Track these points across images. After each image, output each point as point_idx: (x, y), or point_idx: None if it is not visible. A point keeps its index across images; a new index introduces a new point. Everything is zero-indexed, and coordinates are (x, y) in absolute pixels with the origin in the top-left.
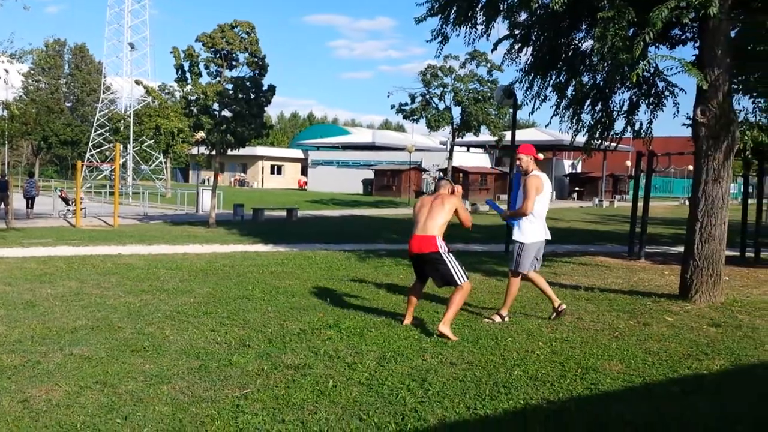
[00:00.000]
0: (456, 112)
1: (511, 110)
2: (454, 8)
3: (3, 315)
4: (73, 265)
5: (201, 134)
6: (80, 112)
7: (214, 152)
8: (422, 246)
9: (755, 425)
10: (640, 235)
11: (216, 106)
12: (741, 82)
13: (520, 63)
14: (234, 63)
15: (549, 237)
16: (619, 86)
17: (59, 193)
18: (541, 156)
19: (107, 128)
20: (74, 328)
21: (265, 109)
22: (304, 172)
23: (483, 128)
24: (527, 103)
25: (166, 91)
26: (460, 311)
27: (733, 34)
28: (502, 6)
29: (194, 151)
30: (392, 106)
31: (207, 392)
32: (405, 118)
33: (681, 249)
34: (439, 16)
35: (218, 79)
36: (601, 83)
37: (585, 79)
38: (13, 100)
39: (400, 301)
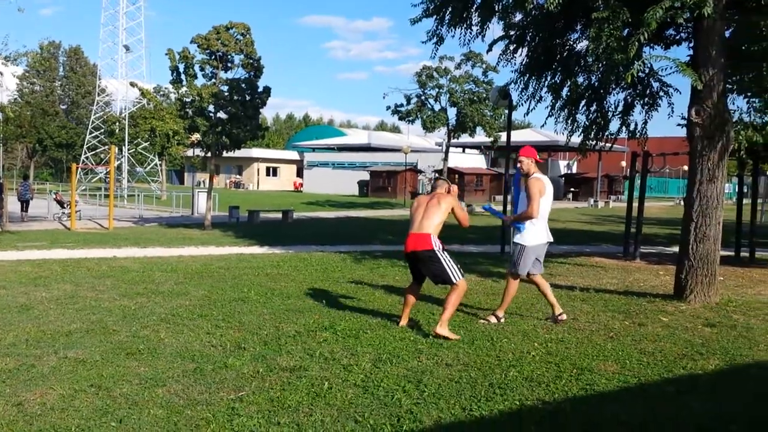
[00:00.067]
0: (451, 113)
1: (506, 111)
2: (449, 9)
3: None
4: (67, 268)
5: (196, 136)
6: (75, 114)
7: (209, 154)
8: (417, 244)
9: (750, 425)
10: (635, 236)
11: (211, 107)
12: (735, 82)
13: (515, 64)
14: (229, 65)
15: (551, 239)
16: (614, 87)
17: (54, 196)
18: (540, 159)
19: (102, 131)
20: (69, 331)
21: (261, 110)
22: (299, 174)
23: (478, 129)
24: (522, 104)
25: (161, 93)
26: (455, 311)
27: (727, 34)
28: (497, 7)
29: (189, 153)
30: (388, 107)
31: (202, 395)
32: (401, 119)
33: (676, 249)
34: (435, 17)
35: (213, 80)
36: (596, 84)
37: (580, 79)
38: (8, 103)
39: (395, 302)
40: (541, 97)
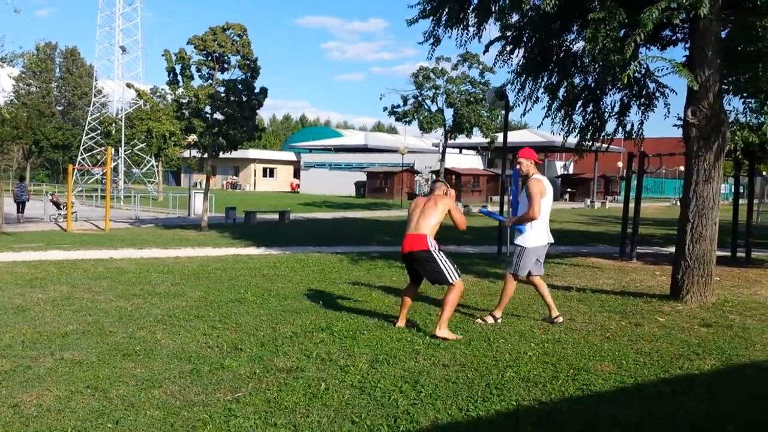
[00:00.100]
0: (448, 113)
1: (503, 112)
2: (446, 10)
3: None
4: (64, 269)
5: (193, 137)
6: (71, 115)
7: (206, 155)
8: (413, 244)
9: (746, 425)
10: (632, 236)
11: (208, 108)
12: (731, 82)
13: (511, 65)
14: (226, 66)
15: (551, 240)
16: (610, 87)
17: (50, 198)
18: (539, 161)
19: (99, 132)
20: (65, 332)
21: (257, 111)
22: (296, 175)
23: (475, 130)
24: (519, 105)
25: (158, 94)
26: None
27: (723, 35)
28: (493, 8)
29: (186, 154)
30: (385, 108)
31: (199, 396)
32: (397, 120)
33: (672, 249)
34: (431, 18)
35: (210, 81)
36: (593, 84)
37: (576, 80)
38: (4, 104)
39: (392, 303)
40: (537, 98)
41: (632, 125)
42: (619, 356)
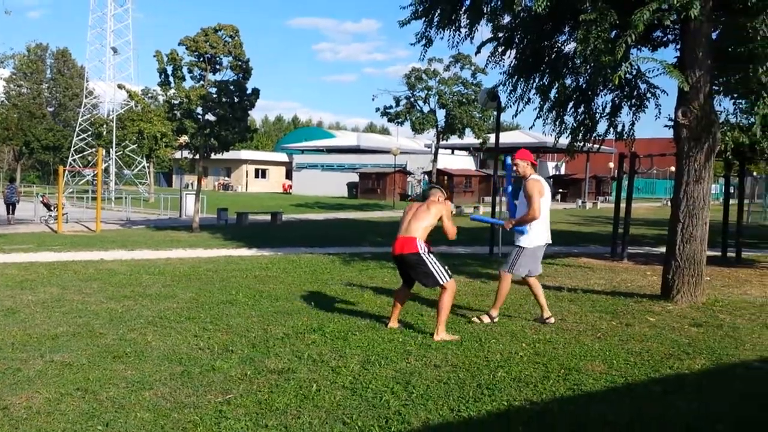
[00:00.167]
0: (440, 114)
1: (495, 113)
2: (438, 11)
3: None
4: (54, 271)
5: (184, 138)
6: (62, 116)
7: (197, 156)
8: (404, 247)
9: (736, 424)
10: (623, 236)
11: (199, 109)
12: (722, 83)
13: (503, 66)
14: (218, 66)
15: (550, 241)
16: (601, 88)
17: (41, 199)
18: (535, 162)
19: (90, 133)
20: (55, 334)
21: (249, 112)
22: (288, 176)
23: (467, 131)
24: (511, 106)
25: (150, 95)
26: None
27: (714, 36)
28: (485, 9)
29: (178, 155)
30: (377, 109)
31: (189, 398)
32: (390, 121)
33: (663, 250)
34: (423, 19)
35: (202, 82)
36: (584, 85)
37: (568, 81)
38: None
39: (384, 304)
40: (529, 99)
41: (623, 126)
42: (610, 356)
